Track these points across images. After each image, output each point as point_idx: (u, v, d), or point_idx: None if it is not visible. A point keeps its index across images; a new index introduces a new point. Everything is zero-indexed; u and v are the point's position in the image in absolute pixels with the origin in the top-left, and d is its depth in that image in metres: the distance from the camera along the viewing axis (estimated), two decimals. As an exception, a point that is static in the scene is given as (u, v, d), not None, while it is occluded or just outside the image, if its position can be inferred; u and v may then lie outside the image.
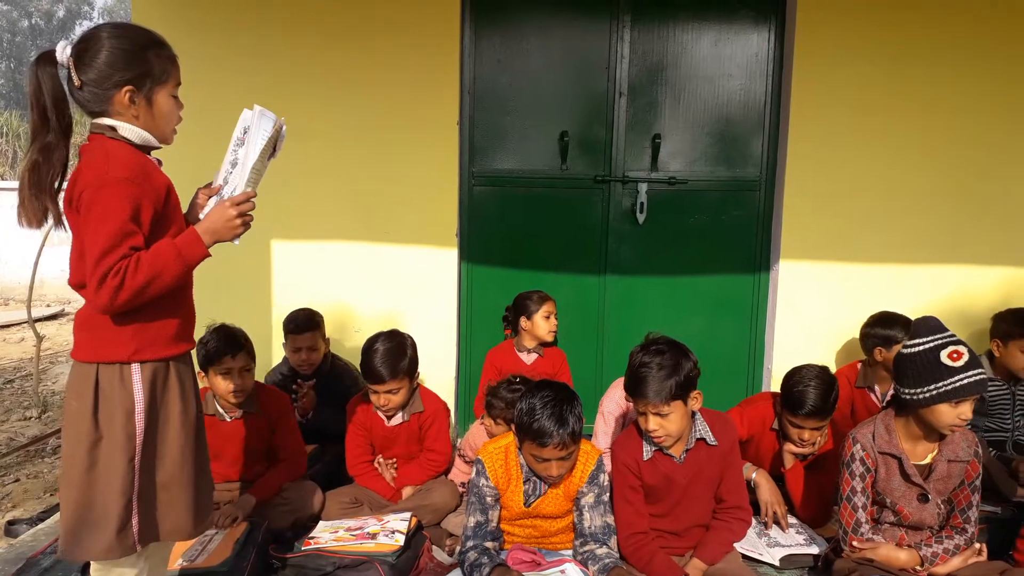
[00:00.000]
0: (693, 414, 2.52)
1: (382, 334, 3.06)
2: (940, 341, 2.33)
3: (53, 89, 1.74)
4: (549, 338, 3.62)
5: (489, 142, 3.88)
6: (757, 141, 3.90)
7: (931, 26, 3.69)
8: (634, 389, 2.43)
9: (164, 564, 2.02)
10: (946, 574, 2.41)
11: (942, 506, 2.46)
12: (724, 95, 3.86)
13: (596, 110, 3.86)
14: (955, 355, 2.29)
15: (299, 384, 3.45)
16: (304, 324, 3.48)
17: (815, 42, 3.69)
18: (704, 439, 2.54)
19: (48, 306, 9.14)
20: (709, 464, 2.56)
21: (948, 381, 2.28)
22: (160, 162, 1.89)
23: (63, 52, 1.74)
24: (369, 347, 3.00)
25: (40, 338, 5.15)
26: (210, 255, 1.84)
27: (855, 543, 2.46)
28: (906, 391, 2.38)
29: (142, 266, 1.69)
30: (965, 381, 2.27)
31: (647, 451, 2.52)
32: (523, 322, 3.60)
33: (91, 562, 1.86)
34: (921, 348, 2.35)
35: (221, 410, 2.94)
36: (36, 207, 1.74)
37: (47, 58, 1.75)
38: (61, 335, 7.57)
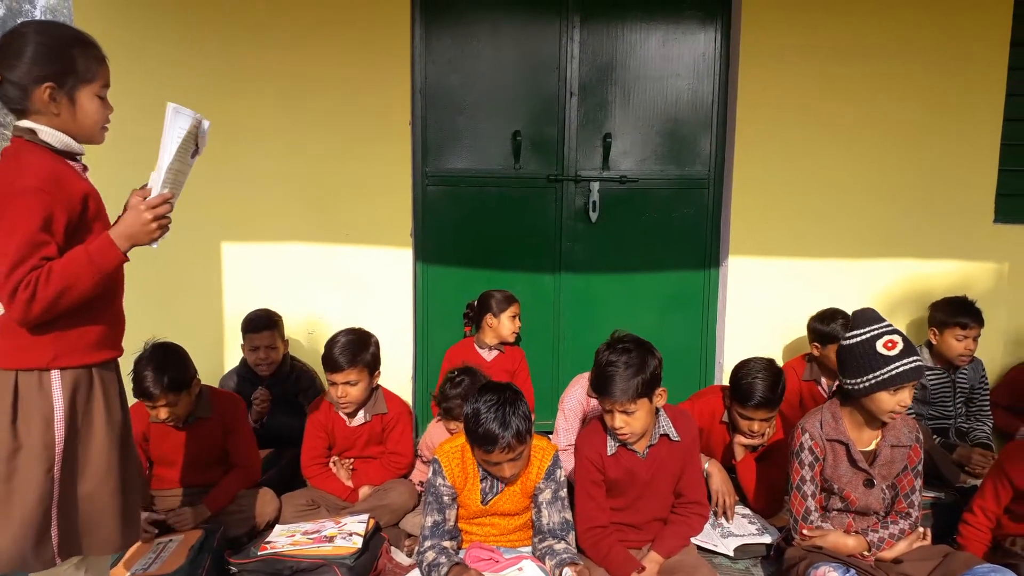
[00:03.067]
0: (657, 410, 2.56)
1: (347, 328, 3.08)
2: (876, 331, 2.41)
3: None
4: (511, 339, 3.66)
5: (442, 142, 3.88)
6: (705, 140, 3.97)
7: (877, 23, 3.78)
8: (601, 388, 2.46)
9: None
10: (892, 558, 2.50)
11: (887, 491, 2.55)
12: (672, 94, 3.92)
13: (547, 110, 3.89)
14: (890, 344, 2.38)
15: (258, 395, 3.41)
16: (261, 323, 3.46)
17: (761, 42, 3.77)
18: (667, 435, 2.58)
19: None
20: (671, 459, 2.60)
21: (885, 370, 2.37)
22: (86, 168, 1.84)
23: None
24: (332, 338, 3.03)
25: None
26: (127, 259, 1.78)
27: (805, 531, 2.53)
28: (848, 381, 2.46)
29: (53, 276, 1.65)
30: (901, 369, 2.36)
31: (611, 446, 2.55)
32: (488, 319, 3.63)
33: None
34: (859, 339, 2.44)
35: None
36: None
37: None
38: None
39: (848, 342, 2.47)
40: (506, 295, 3.66)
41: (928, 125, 3.87)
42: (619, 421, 2.45)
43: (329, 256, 3.75)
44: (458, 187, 3.91)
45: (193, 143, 1.83)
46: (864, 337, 2.43)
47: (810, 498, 2.55)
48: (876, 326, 2.43)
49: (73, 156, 1.81)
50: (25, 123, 1.74)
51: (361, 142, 3.69)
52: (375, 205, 3.74)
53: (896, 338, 2.39)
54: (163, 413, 2.76)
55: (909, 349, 2.39)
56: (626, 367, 2.40)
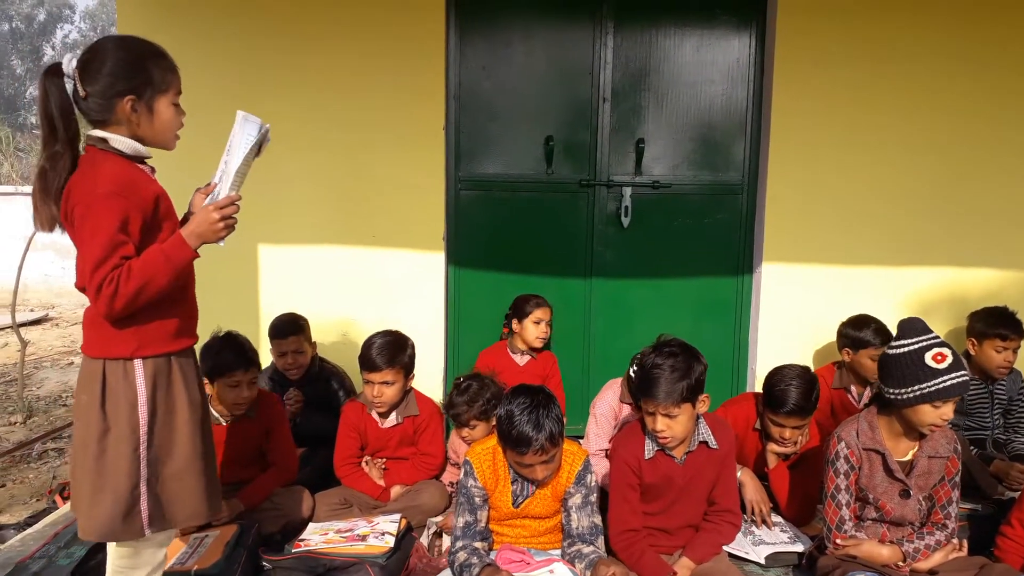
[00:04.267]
0: (698, 417, 2.55)
1: (384, 330, 3.13)
2: (926, 343, 2.38)
3: (60, 100, 1.82)
4: (536, 344, 3.65)
5: (475, 147, 3.91)
6: (739, 146, 3.95)
7: (911, 30, 3.75)
8: (645, 389, 2.45)
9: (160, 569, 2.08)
10: (927, 569, 2.46)
11: (923, 502, 2.51)
12: (706, 100, 3.91)
13: (580, 115, 3.90)
14: (939, 357, 2.34)
15: (291, 395, 3.47)
16: (287, 328, 3.49)
17: (795, 47, 3.75)
18: (706, 442, 2.57)
19: (32, 311, 9.08)
20: (707, 467, 2.59)
21: (932, 382, 2.34)
22: (153, 170, 1.95)
23: (69, 64, 1.81)
24: (369, 339, 3.08)
25: (24, 343, 5.13)
26: (198, 256, 1.90)
27: (839, 540, 2.51)
28: (890, 391, 2.43)
29: (133, 274, 1.78)
30: (949, 383, 2.33)
31: (649, 449, 2.55)
32: (515, 324, 3.65)
33: (110, 562, 1.96)
34: (906, 349, 2.40)
35: (216, 414, 2.95)
36: (45, 213, 1.83)
37: (54, 70, 1.82)
38: (45, 340, 7.53)
39: (895, 351, 2.43)
40: (534, 299, 3.66)
41: (962, 130, 3.82)
42: (661, 424, 2.44)
43: (362, 259, 3.79)
44: (491, 192, 3.94)
45: (257, 149, 1.93)
46: (913, 348, 2.39)
47: (845, 507, 2.52)
48: (925, 337, 2.39)
49: (142, 160, 1.92)
50: (97, 132, 1.85)
51: (395, 146, 3.73)
52: (408, 209, 3.78)
53: (946, 351, 2.35)
54: (247, 391, 2.90)
55: (958, 363, 2.36)
56: (672, 370, 2.39)
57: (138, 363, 1.86)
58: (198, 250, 1.90)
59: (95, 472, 1.84)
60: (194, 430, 1.94)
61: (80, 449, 1.88)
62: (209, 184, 1.95)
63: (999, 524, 2.66)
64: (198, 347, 2.09)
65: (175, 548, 2.51)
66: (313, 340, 3.64)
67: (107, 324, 1.84)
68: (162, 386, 1.89)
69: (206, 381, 2.86)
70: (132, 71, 1.83)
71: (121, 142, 1.85)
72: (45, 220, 1.84)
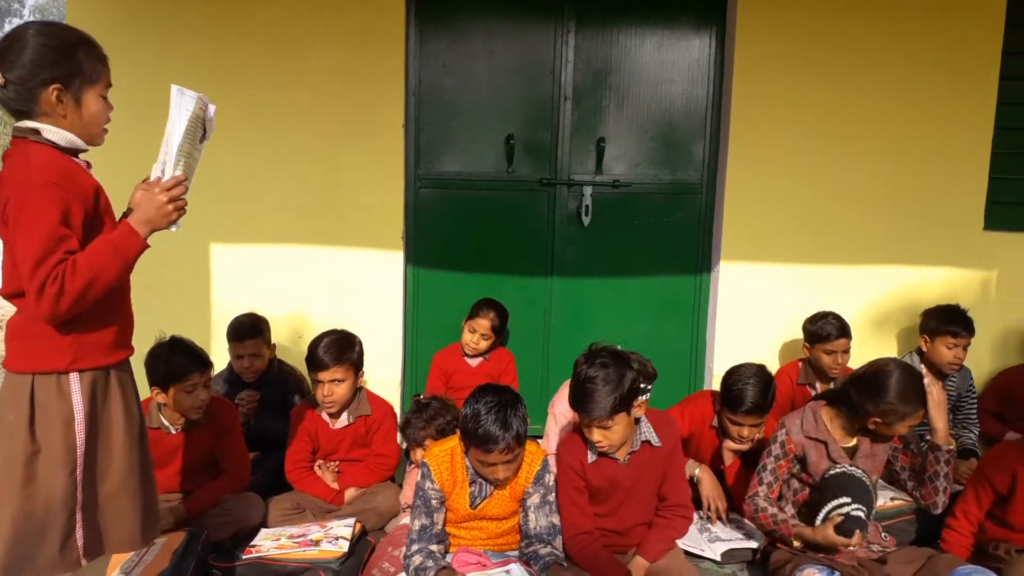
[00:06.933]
0: (637, 419, 2.56)
1: (330, 329, 3.08)
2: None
3: None
4: (468, 350, 3.63)
5: (435, 145, 3.88)
6: (699, 145, 3.97)
7: (867, 35, 3.79)
8: (578, 404, 2.46)
9: None
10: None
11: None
12: (666, 100, 3.93)
13: (541, 114, 3.89)
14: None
15: (244, 396, 3.40)
16: (247, 331, 3.43)
17: (755, 48, 3.78)
18: (649, 441, 2.58)
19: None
20: (652, 464, 2.60)
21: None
22: (89, 164, 1.85)
23: None
24: (316, 338, 3.03)
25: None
26: (148, 246, 1.80)
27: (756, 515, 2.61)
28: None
29: (79, 268, 1.66)
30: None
31: (591, 454, 2.56)
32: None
33: None
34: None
35: (167, 422, 2.88)
36: None
37: None
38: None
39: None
40: (483, 308, 3.62)
41: (919, 133, 3.87)
42: (597, 435, 2.46)
43: (319, 258, 3.74)
44: (450, 190, 3.91)
45: (201, 127, 1.83)
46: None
47: (764, 485, 2.65)
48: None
49: (76, 153, 1.81)
50: (28, 123, 1.73)
51: (354, 143, 3.69)
52: (367, 207, 3.73)
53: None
54: (204, 393, 2.82)
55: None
56: (604, 383, 2.39)
57: (74, 376, 1.73)
58: (148, 240, 1.79)
59: (22, 500, 1.69)
60: (131, 447, 1.83)
61: (2, 474, 1.73)
62: (148, 179, 1.84)
63: (946, 517, 2.72)
64: (138, 355, 1.99)
65: (119, 557, 2.43)
66: (272, 342, 3.57)
67: (37, 335, 1.71)
68: (100, 401, 1.77)
69: (158, 390, 2.78)
70: (59, 59, 1.72)
71: (55, 133, 1.74)
72: None
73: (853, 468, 2.52)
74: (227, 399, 3.15)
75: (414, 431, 2.98)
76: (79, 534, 1.73)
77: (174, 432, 2.88)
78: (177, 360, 2.78)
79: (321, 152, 3.68)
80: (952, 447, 2.52)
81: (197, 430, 2.91)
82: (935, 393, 2.51)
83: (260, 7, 3.58)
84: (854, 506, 2.43)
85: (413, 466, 3.07)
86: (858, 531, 2.42)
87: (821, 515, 2.48)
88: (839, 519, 2.43)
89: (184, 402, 2.80)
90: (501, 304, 3.68)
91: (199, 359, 2.84)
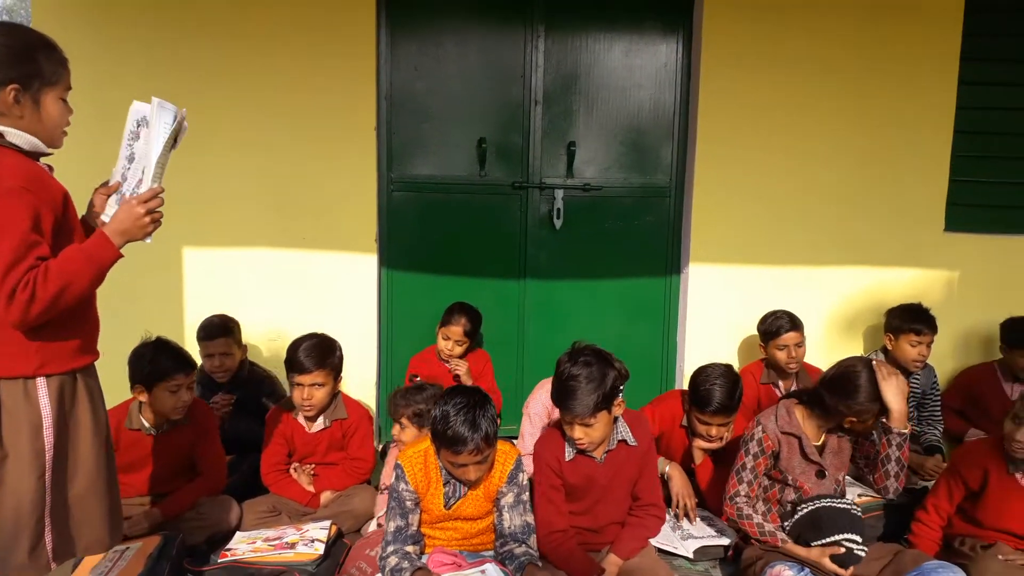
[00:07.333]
0: (616, 418, 2.60)
1: (310, 333, 3.08)
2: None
3: None
4: (443, 356, 3.64)
5: (407, 148, 3.90)
6: (667, 149, 4.04)
7: (831, 39, 3.87)
8: (561, 401, 2.49)
9: None
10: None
11: (838, 481, 2.66)
12: (635, 104, 3.98)
13: (513, 117, 3.92)
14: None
15: (219, 399, 3.38)
16: (215, 330, 3.42)
17: (721, 52, 3.84)
18: (625, 440, 2.62)
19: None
20: (628, 464, 2.64)
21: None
22: (51, 168, 1.84)
23: None
24: (296, 341, 3.03)
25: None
26: (122, 255, 1.81)
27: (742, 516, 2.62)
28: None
29: (51, 275, 1.66)
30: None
31: (569, 452, 2.59)
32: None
33: None
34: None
35: (147, 424, 2.86)
36: None
37: None
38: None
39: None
40: (449, 312, 3.63)
41: (882, 136, 3.97)
42: (579, 433, 2.49)
43: (292, 261, 3.73)
44: (423, 193, 3.92)
45: (174, 137, 1.84)
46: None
47: (744, 484, 2.66)
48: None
49: (38, 157, 1.81)
50: None
51: (326, 147, 3.69)
52: (340, 210, 3.74)
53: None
54: (186, 395, 2.83)
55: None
56: (587, 381, 2.43)
57: (41, 381, 1.74)
58: (121, 250, 1.80)
59: None
60: (98, 451, 1.84)
61: None
62: (107, 183, 1.85)
63: (913, 512, 2.79)
64: (109, 358, 1.98)
65: (92, 561, 2.42)
66: (244, 343, 3.56)
67: (3, 340, 1.71)
68: (68, 405, 1.78)
69: (141, 388, 2.78)
70: (17, 60, 1.72)
71: (18, 136, 1.73)
72: None
73: (858, 510, 2.55)
74: (205, 402, 3.14)
75: (396, 405, 2.98)
76: (48, 538, 1.74)
77: (153, 434, 2.87)
78: (162, 360, 2.79)
79: (292, 154, 3.67)
80: (905, 431, 2.52)
81: (175, 432, 2.90)
82: (885, 374, 2.52)
83: (229, 7, 3.57)
84: (860, 546, 2.44)
85: (394, 445, 3.08)
86: (852, 567, 2.47)
87: (825, 540, 2.47)
88: (841, 550, 2.44)
89: (167, 402, 2.80)
90: (473, 308, 3.69)
91: (184, 360, 2.86)
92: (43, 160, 1.83)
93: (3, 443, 1.70)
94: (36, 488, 1.71)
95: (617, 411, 2.56)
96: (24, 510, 1.70)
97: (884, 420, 2.54)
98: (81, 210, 1.89)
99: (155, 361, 2.79)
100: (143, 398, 2.81)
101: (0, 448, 1.70)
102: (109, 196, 1.87)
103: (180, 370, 2.80)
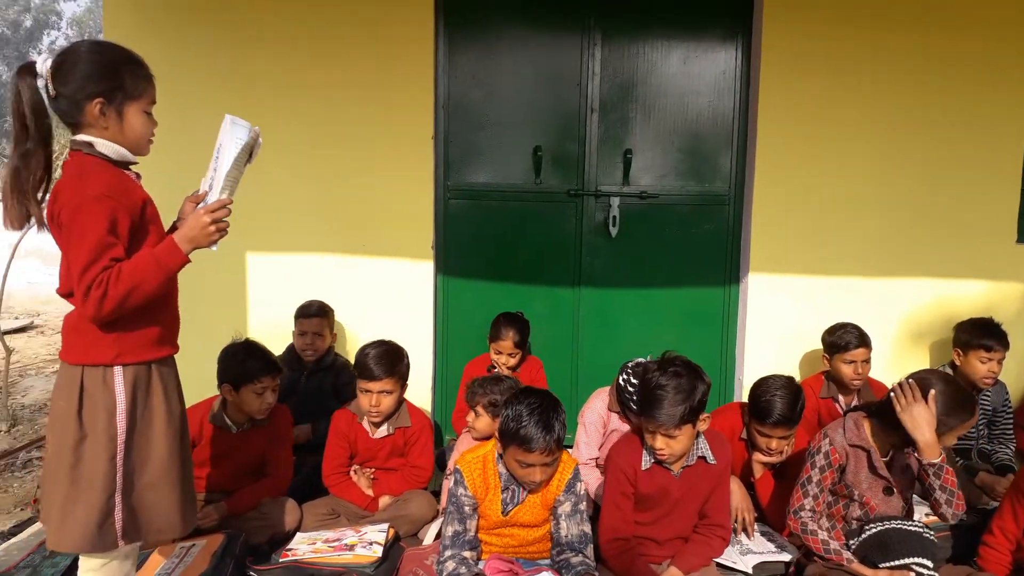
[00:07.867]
0: (698, 434, 2.57)
1: (379, 340, 3.14)
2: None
3: (32, 99, 1.83)
4: (500, 370, 3.62)
5: (464, 156, 3.93)
6: (726, 156, 3.99)
7: (897, 43, 3.79)
8: (647, 409, 2.45)
9: None
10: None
11: (906, 500, 2.58)
12: (693, 111, 3.95)
13: (569, 125, 3.93)
14: None
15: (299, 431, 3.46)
16: (313, 310, 3.61)
17: (781, 59, 3.78)
18: (704, 457, 2.59)
19: (16, 319, 8.98)
20: (703, 481, 2.61)
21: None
22: (139, 176, 1.97)
23: (43, 63, 1.83)
24: (365, 347, 3.08)
25: (9, 351, 5.08)
26: (189, 261, 1.91)
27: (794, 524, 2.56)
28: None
29: (123, 276, 1.78)
30: None
31: (646, 461, 2.55)
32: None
33: (80, 572, 1.93)
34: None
35: (229, 421, 2.97)
36: (18, 211, 1.83)
37: (27, 69, 1.84)
38: (30, 348, 7.44)
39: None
40: (496, 326, 3.62)
41: (952, 143, 3.86)
42: (660, 443, 2.46)
43: (351, 267, 3.79)
44: (479, 201, 3.95)
45: (248, 152, 1.95)
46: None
47: (809, 497, 2.59)
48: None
49: (127, 165, 1.93)
50: (83, 137, 1.86)
51: (384, 155, 3.74)
52: (397, 218, 3.78)
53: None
54: (271, 397, 2.95)
55: None
56: (676, 392, 2.40)
57: (118, 370, 1.86)
58: (189, 256, 1.90)
59: (69, 481, 1.83)
60: (172, 441, 1.93)
61: (54, 457, 1.86)
62: (197, 192, 1.97)
63: (982, 534, 2.69)
64: (203, 354, 2.07)
65: (159, 559, 2.49)
66: (335, 332, 3.69)
67: (88, 330, 1.84)
68: (141, 394, 1.89)
69: (228, 387, 2.89)
70: (104, 75, 1.85)
71: (107, 147, 1.87)
72: (15, 218, 1.84)
73: (930, 533, 2.47)
74: (284, 405, 3.18)
75: (474, 393, 3.02)
76: (117, 516, 1.84)
77: (234, 431, 2.96)
78: (251, 362, 2.92)
79: (351, 163, 3.74)
80: (936, 460, 2.39)
81: (253, 432, 3.00)
82: (905, 403, 2.41)
83: (288, 21, 3.65)
84: (930, 571, 2.37)
85: (466, 431, 3.12)
86: None
87: (894, 563, 2.41)
88: (911, 575, 2.38)
89: (252, 403, 2.91)
90: (518, 317, 3.67)
91: (271, 363, 2.98)
92: (132, 168, 1.95)
93: (84, 425, 1.84)
94: (108, 469, 1.83)
95: (702, 426, 2.52)
96: (97, 487, 1.82)
97: (913, 452, 2.45)
98: (166, 213, 2.01)
99: (245, 363, 2.91)
100: (230, 397, 2.92)
101: (81, 429, 1.83)
102: (196, 204, 1.96)
103: (267, 372, 2.92)
